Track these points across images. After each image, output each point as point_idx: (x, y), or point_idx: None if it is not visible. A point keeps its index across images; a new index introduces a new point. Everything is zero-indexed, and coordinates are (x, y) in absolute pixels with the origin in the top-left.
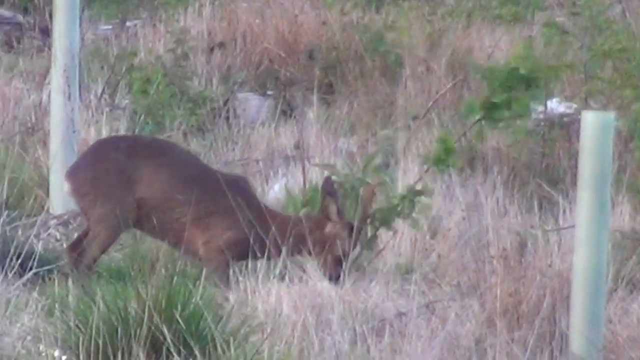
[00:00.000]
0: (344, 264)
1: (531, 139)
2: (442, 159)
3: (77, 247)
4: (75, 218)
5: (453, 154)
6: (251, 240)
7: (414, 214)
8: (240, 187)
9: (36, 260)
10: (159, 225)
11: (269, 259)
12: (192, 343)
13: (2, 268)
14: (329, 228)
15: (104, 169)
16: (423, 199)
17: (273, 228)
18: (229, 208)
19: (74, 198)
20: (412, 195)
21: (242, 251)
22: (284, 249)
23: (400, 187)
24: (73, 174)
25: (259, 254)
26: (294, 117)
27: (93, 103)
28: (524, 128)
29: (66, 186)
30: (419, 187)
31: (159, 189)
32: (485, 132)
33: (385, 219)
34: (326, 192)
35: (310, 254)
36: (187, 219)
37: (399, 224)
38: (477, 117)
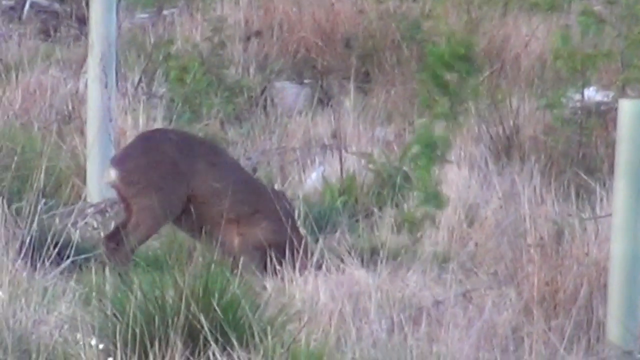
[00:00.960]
0: None
1: (568, 128)
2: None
3: (114, 237)
4: (112, 206)
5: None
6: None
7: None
8: (283, 198)
9: (73, 248)
10: (199, 221)
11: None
12: (229, 332)
13: (40, 256)
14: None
15: (156, 159)
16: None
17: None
18: (271, 212)
19: (121, 186)
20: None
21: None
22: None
23: (438, 175)
24: (122, 161)
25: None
26: (331, 105)
27: (130, 92)
28: (561, 116)
29: (113, 173)
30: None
31: (210, 186)
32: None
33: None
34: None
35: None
36: (229, 216)
37: (437, 212)
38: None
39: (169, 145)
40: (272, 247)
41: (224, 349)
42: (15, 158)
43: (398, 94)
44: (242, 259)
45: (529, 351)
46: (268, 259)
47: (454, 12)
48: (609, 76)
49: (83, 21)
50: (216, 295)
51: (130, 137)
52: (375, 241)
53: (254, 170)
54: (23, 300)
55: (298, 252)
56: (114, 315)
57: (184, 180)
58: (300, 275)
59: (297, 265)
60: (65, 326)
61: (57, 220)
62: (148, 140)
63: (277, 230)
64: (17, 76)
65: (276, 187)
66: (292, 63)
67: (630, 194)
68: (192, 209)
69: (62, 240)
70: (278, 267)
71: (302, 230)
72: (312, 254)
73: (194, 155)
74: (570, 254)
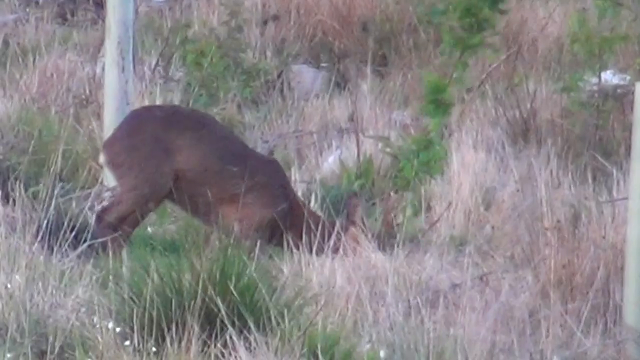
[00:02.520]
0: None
1: (585, 111)
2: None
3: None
4: None
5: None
6: (280, 222)
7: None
8: (275, 169)
9: (90, 232)
10: (192, 198)
11: (281, 245)
12: (246, 315)
13: (56, 240)
14: (352, 232)
15: (139, 139)
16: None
17: (303, 216)
18: (265, 187)
19: (109, 169)
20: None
21: (273, 231)
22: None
23: (455, 158)
24: (109, 145)
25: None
26: (348, 89)
27: (147, 75)
28: (578, 99)
29: (101, 157)
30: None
31: (197, 162)
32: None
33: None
34: (353, 197)
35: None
36: (223, 194)
37: (453, 195)
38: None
39: (153, 123)
40: (272, 224)
41: (241, 332)
42: (32, 142)
43: (415, 77)
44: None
45: (545, 334)
46: (276, 235)
47: None
48: (625, 59)
49: (100, 5)
50: (233, 278)
51: None
52: (392, 224)
53: (271, 153)
54: (40, 284)
55: (299, 223)
56: (131, 298)
57: (168, 157)
58: (297, 246)
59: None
60: (82, 310)
61: (74, 203)
62: (132, 121)
63: (272, 207)
64: (34, 60)
65: (292, 170)
66: (309, 46)
67: None
68: (185, 188)
69: (79, 224)
70: (295, 250)
71: (301, 199)
72: (316, 225)
73: (179, 131)
74: (587, 237)
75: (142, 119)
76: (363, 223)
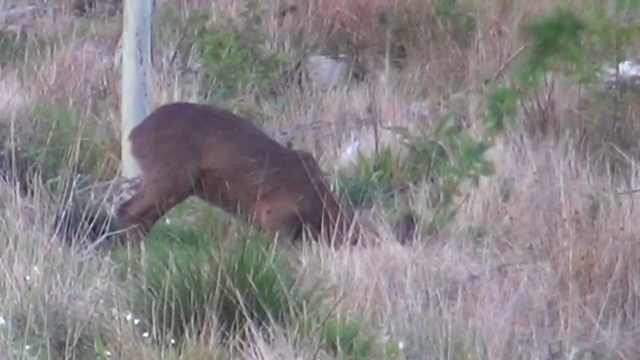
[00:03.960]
0: None
1: (603, 102)
2: (496, 110)
3: (128, 205)
4: None
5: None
6: (313, 217)
7: (474, 172)
8: (307, 163)
9: (108, 224)
10: (221, 195)
11: (316, 238)
12: (264, 306)
13: (75, 232)
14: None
15: (167, 133)
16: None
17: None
18: (297, 182)
19: (135, 158)
20: (476, 151)
21: (300, 225)
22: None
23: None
24: (136, 134)
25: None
26: (366, 80)
27: (165, 67)
28: (596, 91)
29: (128, 145)
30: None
31: (226, 160)
32: (538, 79)
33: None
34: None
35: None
36: (253, 189)
37: (470, 187)
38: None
39: (183, 120)
40: (304, 219)
41: (260, 323)
42: (50, 133)
43: (433, 69)
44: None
45: (564, 325)
46: (302, 231)
47: None
48: None
49: None
50: (252, 270)
51: None
52: (411, 216)
53: (289, 145)
54: (58, 275)
55: (334, 223)
56: (149, 290)
57: (195, 155)
58: (336, 248)
59: (333, 237)
60: (101, 301)
61: (92, 195)
62: (162, 114)
63: (307, 201)
64: (52, 51)
65: None
66: (327, 38)
67: None
68: (216, 185)
69: (97, 215)
70: (313, 242)
71: (336, 196)
72: (350, 222)
73: (208, 129)
74: (605, 228)
75: (172, 114)
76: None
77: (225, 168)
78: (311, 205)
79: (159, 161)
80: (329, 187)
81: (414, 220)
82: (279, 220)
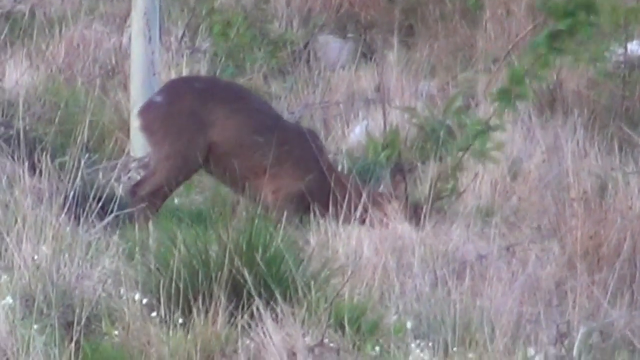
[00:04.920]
0: None
1: (611, 82)
2: (507, 90)
3: (140, 185)
4: None
5: (521, 84)
6: (318, 192)
7: (487, 148)
8: (313, 140)
9: (117, 203)
10: (228, 170)
11: (323, 215)
12: (273, 286)
13: (83, 211)
14: (393, 204)
15: (176, 109)
16: (496, 135)
17: (340, 187)
18: (301, 158)
19: (144, 134)
20: (484, 129)
21: (308, 203)
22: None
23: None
24: (144, 111)
25: (317, 208)
26: (374, 60)
27: (173, 46)
28: (604, 70)
29: (137, 122)
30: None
31: (232, 134)
32: (551, 62)
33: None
34: (397, 172)
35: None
36: (259, 166)
37: (479, 166)
38: (542, 48)
39: (190, 94)
40: (311, 197)
41: (268, 303)
42: (59, 112)
43: (441, 48)
44: (277, 215)
45: (572, 305)
46: (309, 206)
47: None
48: None
49: None
50: (260, 249)
51: None
52: (419, 195)
53: (297, 124)
54: (67, 255)
55: (342, 201)
56: (158, 270)
57: (203, 130)
58: (344, 226)
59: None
60: (109, 281)
61: (100, 174)
62: (170, 90)
63: (314, 179)
64: (60, 31)
65: None
66: (335, 17)
67: None
68: (222, 160)
69: (105, 194)
70: (321, 221)
71: (343, 174)
72: (359, 201)
73: (215, 103)
74: (613, 207)
75: (180, 89)
76: (406, 199)
77: (231, 143)
78: (318, 183)
79: (169, 137)
80: (335, 165)
81: (402, 169)
82: (286, 198)
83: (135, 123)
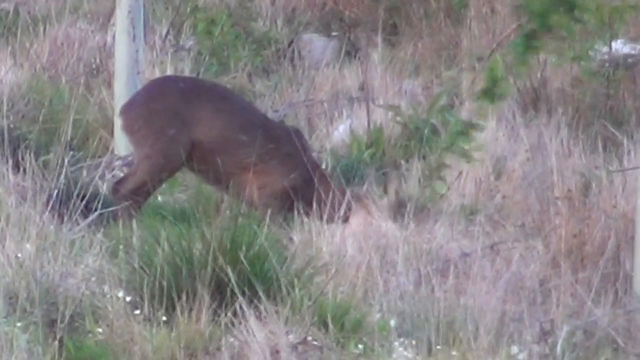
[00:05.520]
0: None
1: (595, 80)
2: (489, 90)
3: (122, 182)
4: None
5: (501, 82)
6: (303, 190)
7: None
8: (298, 138)
9: (100, 201)
10: (213, 168)
11: (307, 214)
12: (256, 284)
13: (67, 209)
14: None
15: (158, 108)
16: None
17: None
18: (287, 156)
19: (126, 134)
20: (465, 128)
21: (292, 201)
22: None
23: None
24: (126, 110)
25: (301, 206)
26: (359, 58)
27: (157, 44)
28: (588, 69)
29: (119, 122)
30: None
31: (218, 132)
32: (530, 61)
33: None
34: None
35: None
36: (244, 164)
37: (463, 164)
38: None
39: (173, 93)
40: (295, 195)
41: (251, 301)
42: (43, 111)
43: (425, 46)
44: (262, 212)
45: (556, 304)
46: (293, 204)
47: None
48: (636, 29)
49: None
50: (243, 247)
51: None
52: (403, 194)
53: (281, 122)
54: (50, 253)
55: (325, 199)
56: (141, 268)
57: (186, 128)
58: (328, 224)
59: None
60: (93, 279)
61: (84, 173)
62: (152, 89)
63: (299, 177)
64: (44, 29)
65: None
66: (319, 15)
67: None
68: (207, 159)
69: (89, 193)
70: (305, 219)
71: (327, 172)
72: (343, 200)
73: (199, 102)
74: (597, 206)
75: (162, 87)
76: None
77: (216, 141)
78: (303, 181)
79: (151, 136)
80: (320, 163)
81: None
82: (271, 196)
83: (117, 123)
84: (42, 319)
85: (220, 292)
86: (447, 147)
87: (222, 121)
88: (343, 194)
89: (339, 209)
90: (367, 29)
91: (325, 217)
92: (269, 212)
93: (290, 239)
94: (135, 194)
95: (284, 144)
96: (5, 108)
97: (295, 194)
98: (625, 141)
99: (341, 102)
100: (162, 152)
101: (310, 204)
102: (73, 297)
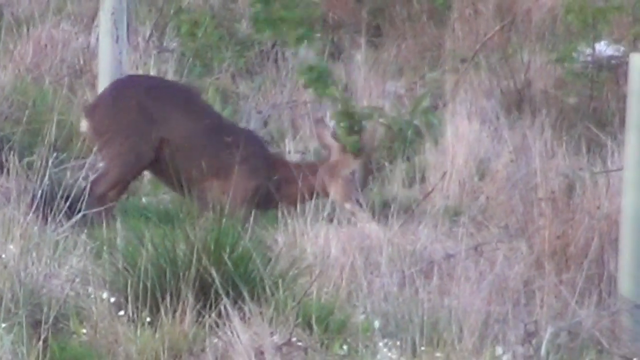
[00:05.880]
0: (356, 185)
1: (579, 82)
2: None
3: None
4: None
5: None
6: (269, 188)
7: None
8: (255, 138)
9: (84, 202)
10: (177, 170)
11: (276, 207)
12: (240, 285)
13: (51, 210)
14: (333, 156)
15: (124, 107)
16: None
17: (289, 175)
18: (247, 158)
19: (92, 136)
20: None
21: (261, 199)
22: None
23: (449, 129)
24: (92, 111)
25: (273, 202)
26: (342, 60)
27: (141, 45)
28: (572, 70)
29: (84, 124)
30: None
31: (182, 132)
32: None
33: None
34: (316, 121)
35: (325, 193)
36: (207, 167)
37: (447, 166)
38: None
39: (138, 92)
40: (259, 193)
41: (235, 302)
42: (27, 112)
43: (409, 48)
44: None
45: (540, 305)
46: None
47: None
48: (619, 30)
49: None
50: (227, 249)
51: None
52: (387, 195)
53: (265, 123)
54: (34, 254)
55: (293, 199)
56: (125, 269)
57: (154, 126)
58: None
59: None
60: (77, 280)
61: (68, 174)
62: (117, 89)
63: (257, 176)
64: (28, 30)
65: (286, 141)
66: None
67: None
68: (169, 160)
69: (73, 194)
70: (289, 220)
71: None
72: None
73: (165, 101)
74: (581, 207)
75: (126, 87)
76: (337, 140)
77: (182, 141)
78: (267, 182)
79: (119, 135)
80: (286, 162)
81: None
82: (238, 197)
83: (82, 126)
84: (26, 320)
85: (204, 293)
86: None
87: (186, 121)
88: (308, 180)
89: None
90: (351, 30)
91: (292, 210)
92: (244, 217)
93: (275, 240)
94: (110, 193)
95: (244, 147)
96: None
97: (260, 197)
98: (608, 142)
99: (324, 103)
100: (132, 149)
101: (276, 206)
102: (57, 298)
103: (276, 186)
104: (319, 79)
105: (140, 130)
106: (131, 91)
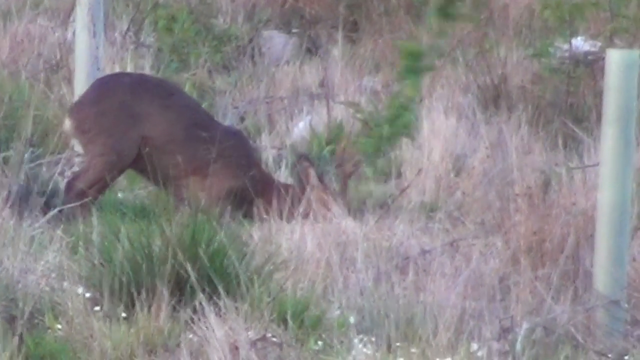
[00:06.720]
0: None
1: (556, 77)
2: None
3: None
4: None
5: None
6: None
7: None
8: (241, 139)
9: (60, 197)
10: (158, 168)
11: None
12: (216, 281)
13: (26, 205)
14: (313, 194)
15: (107, 105)
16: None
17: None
18: (230, 157)
19: (75, 135)
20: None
21: (240, 200)
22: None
23: (425, 125)
24: (75, 110)
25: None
26: (319, 55)
27: (118, 41)
28: (549, 66)
29: (67, 123)
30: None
31: (164, 129)
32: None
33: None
34: (303, 160)
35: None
36: (188, 164)
37: (423, 161)
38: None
39: (121, 89)
40: (238, 192)
41: (211, 297)
42: (3, 107)
43: (386, 44)
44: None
45: (515, 300)
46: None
47: None
48: (596, 26)
49: None
50: (203, 244)
51: None
52: (362, 190)
53: (242, 119)
54: (10, 249)
55: (263, 192)
56: (101, 264)
57: (136, 123)
58: (266, 212)
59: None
60: (52, 275)
61: (44, 169)
62: (99, 87)
63: (237, 177)
64: (4, 25)
65: (263, 135)
66: (280, 12)
67: (617, 143)
68: (151, 157)
69: (49, 189)
70: (265, 216)
71: (266, 170)
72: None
73: (147, 98)
74: (557, 203)
75: (109, 85)
76: (321, 182)
77: (164, 138)
78: (246, 180)
79: (102, 134)
80: (261, 162)
81: (307, 157)
82: (218, 195)
83: (66, 123)
84: (1, 315)
85: (179, 289)
86: (391, 119)
87: (170, 118)
88: (303, 191)
89: (298, 206)
90: (328, 26)
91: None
92: (216, 211)
93: (250, 236)
94: (89, 190)
95: (227, 145)
96: None
97: (240, 195)
98: (585, 138)
99: (301, 98)
100: (115, 148)
101: (252, 204)
102: (33, 294)
103: (252, 184)
104: None
105: (122, 129)
106: (113, 90)
